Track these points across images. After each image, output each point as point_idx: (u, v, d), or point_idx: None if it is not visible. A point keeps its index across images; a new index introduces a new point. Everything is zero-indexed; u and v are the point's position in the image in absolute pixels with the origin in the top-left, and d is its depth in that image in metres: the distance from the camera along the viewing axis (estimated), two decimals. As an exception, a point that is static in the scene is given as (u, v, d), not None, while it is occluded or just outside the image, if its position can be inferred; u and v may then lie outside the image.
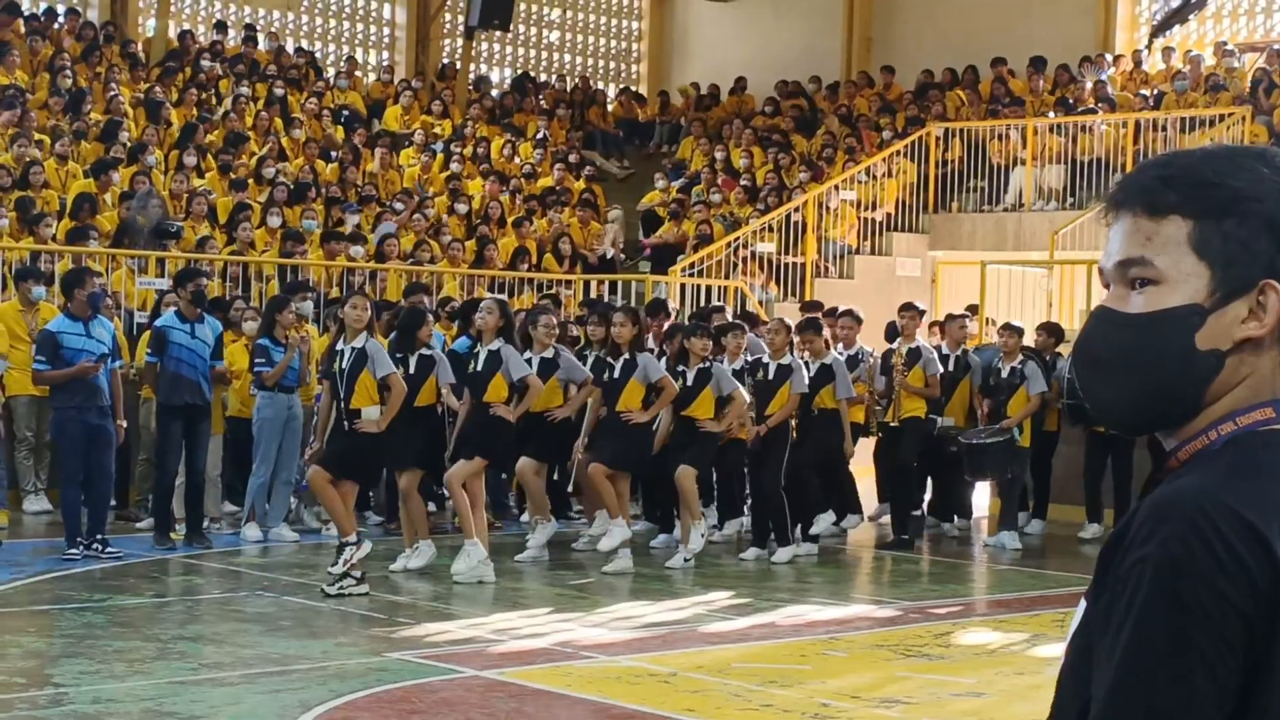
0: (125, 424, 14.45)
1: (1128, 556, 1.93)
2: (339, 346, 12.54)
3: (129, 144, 21.78)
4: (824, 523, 15.41)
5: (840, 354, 15.76)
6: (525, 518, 15.26)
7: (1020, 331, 16.74)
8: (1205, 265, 2.00)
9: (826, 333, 15.57)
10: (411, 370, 13.63)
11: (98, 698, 8.71)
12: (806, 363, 15.06)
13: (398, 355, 13.80)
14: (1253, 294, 1.99)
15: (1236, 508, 1.88)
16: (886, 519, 16.79)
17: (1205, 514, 1.89)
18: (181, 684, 9.14)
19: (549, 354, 14.31)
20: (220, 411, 15.36)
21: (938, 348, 16.67)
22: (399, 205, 22.66)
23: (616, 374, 14.08)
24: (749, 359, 15.46)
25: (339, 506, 12.29)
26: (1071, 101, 26.10)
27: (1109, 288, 2.09)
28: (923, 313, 16.88)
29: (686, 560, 14.19)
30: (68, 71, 23.17)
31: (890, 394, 16.12)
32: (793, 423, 14.87)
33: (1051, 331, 17.32)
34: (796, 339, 15.29)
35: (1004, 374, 16.29)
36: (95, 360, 13.52)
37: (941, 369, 16.17)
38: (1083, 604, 2.03)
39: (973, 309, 18.05)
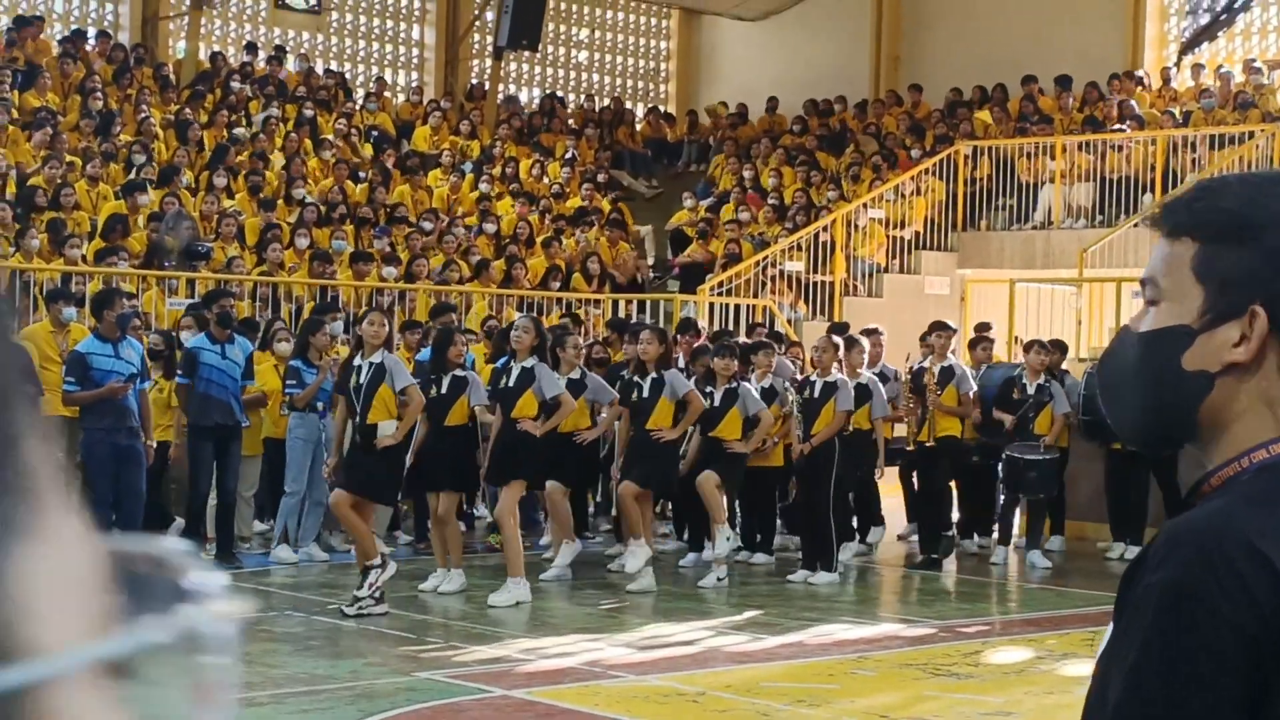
0: (155, 444, 14.52)
1: (1143, 580, 1.95)
2: (356, 362, 12.55)
3: (159, 165, 21.89)
4: (850, 551, 15.39)
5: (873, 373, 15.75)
6: (546, 539, 15.24)
7: (1049, 349, 16.76)
8: (1201, 287, 2.02)
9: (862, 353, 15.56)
10: (444, 390, 13.66)
11: (128, 717, 8.73)
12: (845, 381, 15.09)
13: (431, 376, 13.85)
14: (1245, 318, 2.01)
15: (1248, 534, 1.90)
16: (913, 537, 16.77)
17: (1215, 540, 1.90)
18: (211, 704, 9.15)
19: (576, 374, 14.32)
20: (257, 432, 15.42)
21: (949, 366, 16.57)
22: (427, 225, 22.73)
23: (645, 393, 14.09)
24: (780, 379, 15.51)
25: (362, 530, 12.30)
26: (1100, 119, 26.07)
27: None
28: (954, 331, 16.87)
29: (720, 580, 14.18)
30: (99, 93, 23.29)
31: (923, 413, 16.07)
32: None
33: (1057, 348, 17.24)
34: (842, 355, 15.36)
35: (1030, 391, 16.29)
36: (124, 380, 13.59)
37: (975, 387, 16.16)
38: (1111, 625, 2.05)
39: (983, 327, 17.91)
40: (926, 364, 16.28)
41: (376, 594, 12.15)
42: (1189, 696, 1.88)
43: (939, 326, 16.64)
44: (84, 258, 18.39)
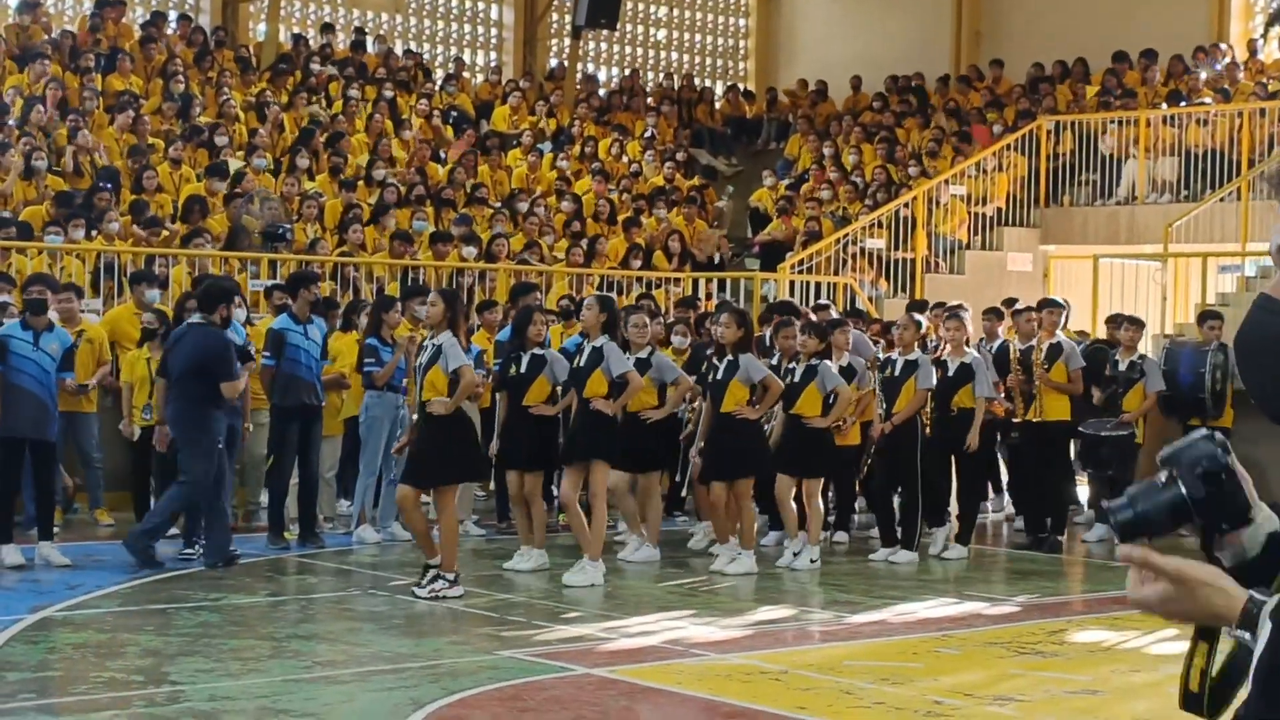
0: (251, 426, 14.62)
1: None
2: (424, 342, 12.58)
3: (240, 147, 22.02)
4: (941, 537, 15.27)
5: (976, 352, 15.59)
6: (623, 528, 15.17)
7: (1140, 324, 16.62)
8: None
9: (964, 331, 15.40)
10: (523, 369, 13.70)
11: (214, 695, 8.80)
12: (945, 361, 14.97)
13: (511, 355, 13.90)
14: None
15: None
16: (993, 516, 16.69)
17: None
18: (295, 682, 9.22)
19: (643, 354, 14.25)
20: (337, 412, 15.49)
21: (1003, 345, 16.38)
22: (521, 205, 22.77)
23: (719, 375, 14.04)
24: (858, 358, 15.45)
25: (423, 528, 12.28)
26: (1185, 93, 25.78)
27: None
28: (1064, 308, 16.68)
29: (813, 561, 14.13)
30: (180, 77, 23.43)
31: (1030, 391, 15.90)
32: (924, 420, 14.76)
33: (1121, 323, 17.03)
34: (944, 332, 15.25)
35: (1122, 368, 16.16)
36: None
37: (1083, 363, 15.94)
38: (1267, 624, 1.99)
39: (1046, 304, 17.56)
40: (1033, 342, 16.05)
41: (450, 576, 12.12)
42: None
43: (1048, 304, 16.56)
44: (164, 240, 18.52)
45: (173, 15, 26.36)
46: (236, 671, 9.44)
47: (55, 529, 13.75)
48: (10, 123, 20.45)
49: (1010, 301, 18.19)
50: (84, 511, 15.80)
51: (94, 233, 18.20)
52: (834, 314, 17.04)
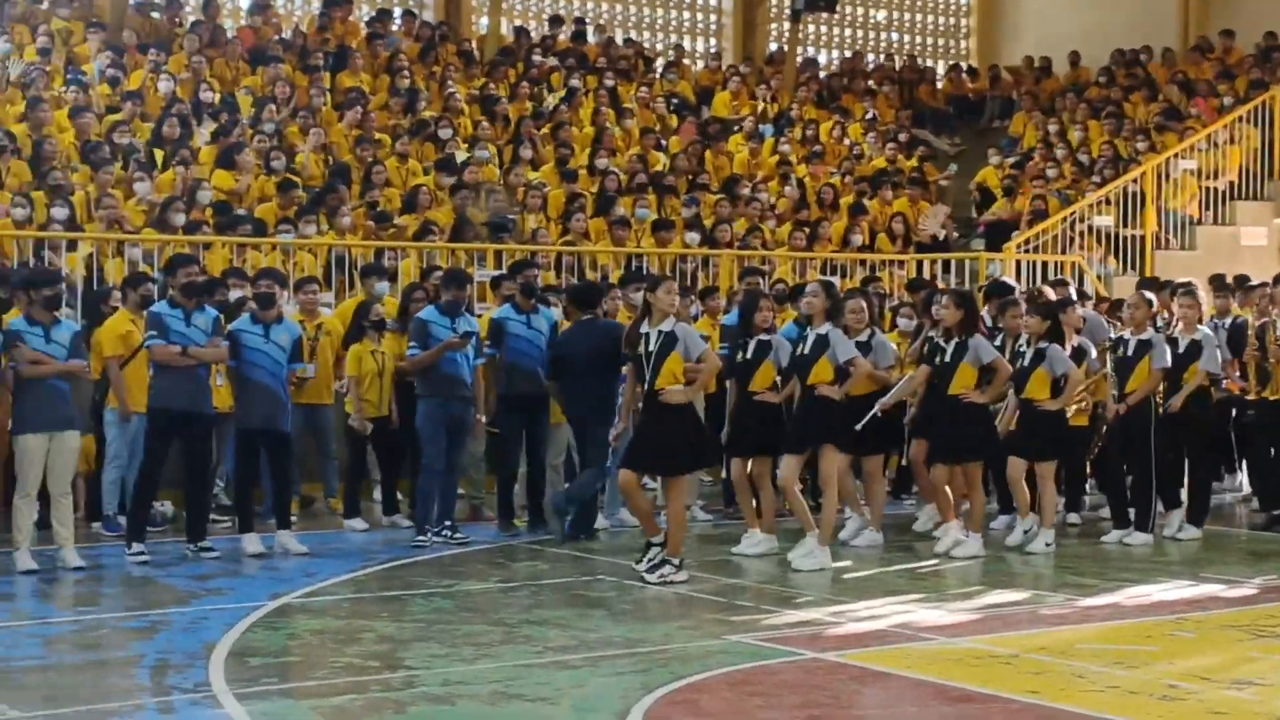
0: (484, 419, 14.81)
1: None
2: (644, 330, 12.45)
3: (464, 140, 22.31)
4: (1175, 518, 15.00)
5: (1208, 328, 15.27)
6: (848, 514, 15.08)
7: None
8: None
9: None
10: (749, 354, 13.70)
11: (447, 680, 8.95)
12: (1176, 338, 14.69)
13: (738, 340, 13.91)
14: None
15: None
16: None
17: None
18: (527, 667, 9.33)
19: (863, 337, 14.16)
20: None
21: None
22: (743, 190, 22.79)
23: (948, 358, 13.92)
24: (1087, 340, 15.21)
25: (647, 509, 12.39)
26: None
27: None
28: None
29: (1048, 545, 13.96)
30: (406, 72, 23.80)
31: (1266, 368, 15.54)
32: (1157, 400, 14.50)
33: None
34: (1177, 310, 14.98)
35: None
36: (460, 337, 13.96)
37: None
38: None
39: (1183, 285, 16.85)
40: (1269, 318, 15.67)
41: (676, 561, 12.19)
42: None
43: None
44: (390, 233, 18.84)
45: (397, 12, 26.78)
46: (470, 656, 9.58)
47: (293, 518, 14.07)
48: (244, 122, 20.97)
49: (1242, 279, 17.78)
50: (320, 501, 16.14)
51: (326, 228, 18.59)
52: (1070, 292, 16.64)
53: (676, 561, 12.22)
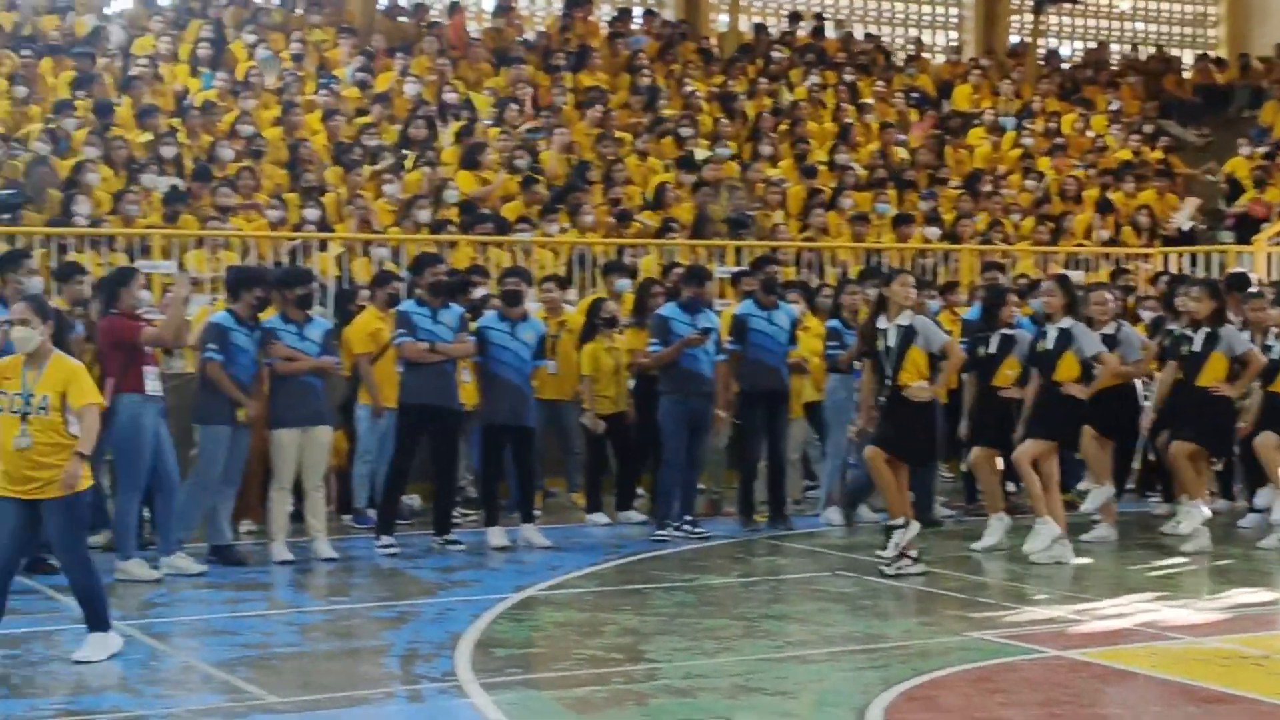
0: (725, 415, 14.91)
1: None
2: (881, 325, 12.47)
3: (704, 137, 22.41)
4: None
5: None
6: (1084, 485, 14.80)
7: None
8: None
9: None
10: (993, 349, 13.66)
11: (689, 673, 9.05)
12: None
13: (980, 335, 13.86)
14: None
15: None
16: None
17: None
18: (768, 661, 9.39)
19: (1109, 330, 13.99)
20: (799, 396, 15.65)
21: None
22: (984, 185, 22.58)
23: (1196, 347, 13.71)
24: None
25: (892, 485, 12.35)
26: None
27: None
28: None
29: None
30: (645, 70, 23.99)
31: None
32: None
33: None
34: None
35: None
36: (699, 333, 14.11)
37: None
38: None
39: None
40: None
41: (913, 553, 12.19)
42: None
43: None
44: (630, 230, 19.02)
45: (637, 11, 27.01)
46: (711, 650, 9.67)
47: (536, 512, 14.30)
48: (486, 123, 21.31)
49: None
50: (562, 495, 16.37)
51: (569, 226, 18.83)
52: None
53: (914, 554, 12.25)
